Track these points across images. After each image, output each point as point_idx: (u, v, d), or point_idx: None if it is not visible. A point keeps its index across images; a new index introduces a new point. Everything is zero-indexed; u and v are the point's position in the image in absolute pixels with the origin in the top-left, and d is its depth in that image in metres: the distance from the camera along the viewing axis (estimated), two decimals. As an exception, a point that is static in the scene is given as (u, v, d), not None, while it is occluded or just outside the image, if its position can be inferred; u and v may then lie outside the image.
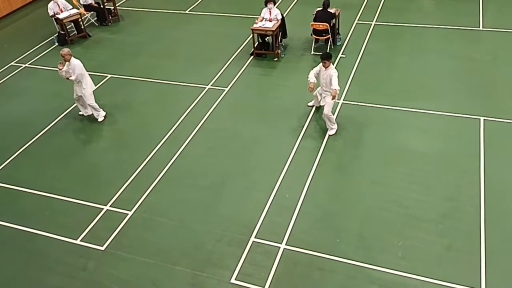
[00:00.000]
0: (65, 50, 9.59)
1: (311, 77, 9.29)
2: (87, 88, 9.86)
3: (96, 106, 10.12)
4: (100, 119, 10.23)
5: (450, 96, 10.19)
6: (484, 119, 9.38)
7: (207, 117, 10.16)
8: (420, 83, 10.76)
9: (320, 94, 9.55)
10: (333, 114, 9.41)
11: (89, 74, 10.01)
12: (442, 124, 9.42)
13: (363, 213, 7.56)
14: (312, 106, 10.12)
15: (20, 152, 9.59)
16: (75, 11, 13.99)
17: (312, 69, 9.43)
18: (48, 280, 6.95)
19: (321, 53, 9.49)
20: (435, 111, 9.75)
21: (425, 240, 7.04)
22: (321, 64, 9.18)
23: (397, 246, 6.98)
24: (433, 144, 8.90)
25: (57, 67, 9.73)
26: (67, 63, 9.60)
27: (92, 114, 10.31)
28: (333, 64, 9.40)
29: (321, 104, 9.73)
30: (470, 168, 8.27)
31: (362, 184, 8.13)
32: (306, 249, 7.05)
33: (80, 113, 10.46)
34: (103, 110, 10.34)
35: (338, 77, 9.04)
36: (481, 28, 13.00)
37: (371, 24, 13.65)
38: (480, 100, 9.99)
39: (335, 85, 8.91)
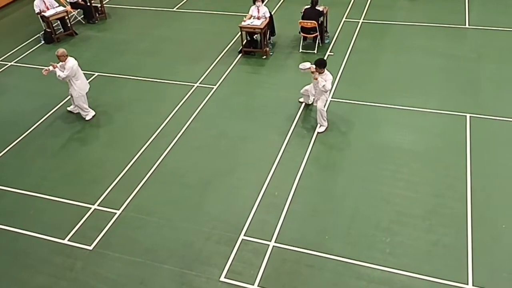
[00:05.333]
0: (60, 50, 9.48)
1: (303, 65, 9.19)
2: (77, 89, 9.76)
3: (85, 107, 10.04)
4: (87, 118, 10.14)
5: (437, 93, 10.27)
6: (470, 116, 9.47)
7: (195, 115, 10.12)
8: (407, 80, 10.83)
9: (314, 95, 9.59)
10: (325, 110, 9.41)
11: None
12: (428, 121, 9.49)
13: (351, 210, 7.60)
14: (302, 102, 10.12)
15: (5, 152, 9.47)
16: (61, 8, 13.85)
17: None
18: (34, 280, 6.87)
19: (309, 51, 9.45)
20: (421, 108, 9.82)
21: (412, 236, 7.09)
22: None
23: (385, 242, 7.02)
24: (420, 141, 8.97)
25: (44, 66, 9.62)
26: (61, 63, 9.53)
27: (79, 112, 10.23)
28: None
29: (314, 104, 9.73)
30: (457, 164, 8.35)
31: (350, 181, 8.16)
32: (295, 246, 7.07)
33: (69, 108, 10.37)
34: (93, 110, 10.26)
35: (332, 82, 9.09)
36: (467, 25, 13.13)
37: (359, 22, 13.71)
38: (466, 97, 10.09)
39: (328, 85, 8.95)
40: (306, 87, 9.69)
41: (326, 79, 9.04)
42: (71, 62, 9.49)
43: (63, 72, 9.48)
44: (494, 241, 6.93)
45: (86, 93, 9.98)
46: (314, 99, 9.69)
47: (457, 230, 7.13)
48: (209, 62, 12.07)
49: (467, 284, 6.38)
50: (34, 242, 7.45)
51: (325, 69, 9.09)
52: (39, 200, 8.24)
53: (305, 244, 7.08)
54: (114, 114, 10.35)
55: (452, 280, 6.43)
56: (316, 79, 8.99)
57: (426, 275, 6.52)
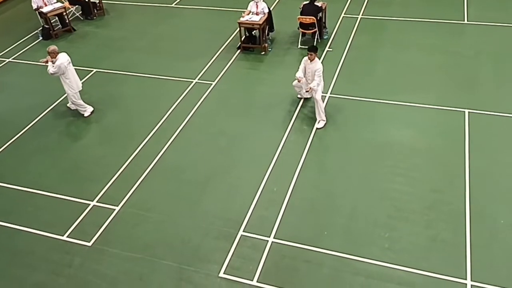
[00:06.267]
0: (51, 47, 9.46)
1: (299, 73, 9.38)
2: (66, 88, 9.76)
3: (80, 103, 10.01)
4: (86, 114, 10.12)
5: (435, 89, 10.26)
6: (468, 112, 9.47)
7: (194, 111, 10.11)
8: (406, 76, 10.82)
9: (306, 83, 9.58)
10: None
11: (74, 69, 9.88)
12: (427, 117, 9.49)
13: (350, 206, 7.60)
14: (301, 98, 10.13)
15: (3, 149, 9.46)
16: (59, 4, 13.80)
17: (299, 66, 9.46)
18: (32, 277, 6.87)
19: (307, 47, 9.49)
20: (420, 104, 9.82)
21: (411, 232, 7.10)
22: (306, 58, 9.22)
23: (384, 237, 7.03)
24: (419, 136, 8.96)
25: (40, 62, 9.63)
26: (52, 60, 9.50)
27: (77, 109, 10.21)
28: (319, 59, 9.46)
29: (309, 96, 9.80)
30: (455, 160, 8.35)
31: (349, 177, 8.16)
32: (294, 242, 7.07)
33: (68, 104, 10.36)
34: (91, 106, 10.24)
35: (322, 73, 9.14)
36: (465, 21, 13.11)
37: (357, 17, 13.68)
38: (465, 93, 10.09)
39: (314, 83, 9.04)
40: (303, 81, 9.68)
41: (316, 67, 9.08)
42: (60, 60, 9.41)
43: (53, 67, 9.48)
44: (492, 237, 6.94)
45: (80, 91, 9.93)
46: (308, 91, 9.65)
47: (455, 226, 7.14)
48: (207, 58, 12.05)
49: (466, 279, 6.40)
50: (33, 239, 7.45)
51: (316, 58, 9.16)
52: (38, 197, 8.24)
53: (304, 240, 7.09)
54: (113, 111, 10.34)
55: (450, 276, 6.45)
56: (311, 89, 9.16)
57: (424, 270, 6.54)
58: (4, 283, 6.83)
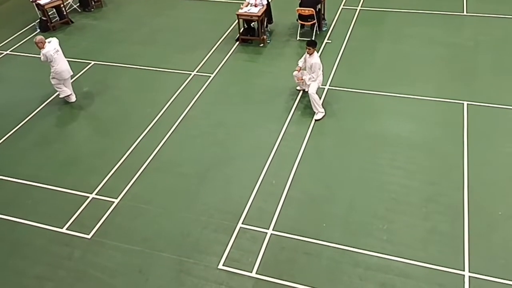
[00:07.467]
0: (38, 38, 9.63)
1: (300, 62, 9.53)
2: (52, 73, 9.87)
3: (59, 87, 10.03)
4: (61, 95, 10.14)
5: (434, 81, 10.26)
6: (467, 104, 9.47)
7: (193, 104, 10.10)
8: (405, 68, 10.81)
9: (309, 79, 9.61)
10: (320, 98, 9.46)
11: (72, 61, 9.89)
12: (425, 109, 9.49)
13: (349, 198, 7.63)
14: (300, 90, 10.14)
15: (1, 141, 9.44)
16: (56, -4, 13.74)
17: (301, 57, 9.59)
18: (32, 270, 6.89)
19: (306, 39, 9.51)
20: (419, 96, 9.81)
21: (409, 224, 7.13)
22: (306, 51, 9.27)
23: (382, 229, 7.06)
24: (417, 128, 8.97)
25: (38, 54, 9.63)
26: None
27: (76, 100, 10.22)
28: (317, 52, 9.45)
29: (306, 89, 9.82)
30: (453, 152, 8.36)
31: (348, 169, 8.17)
32: (293, 234, 7.10)
33: (66, 98, 10.36)
34: (89, 98, 10.24)
35: (321, 67, 9.21)
36: (464, 13, 13.06)
37: (357, 9, 13.62)
38: (464, 85, 10.08)
39: (306, 76, 9.28)
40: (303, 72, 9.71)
41: (312, 61, 9.15)
42: (46, 49, 9.57)
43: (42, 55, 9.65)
44: (490, 228, 6.97)
45: (77, 84, 9.93)
46: (298, 81, 9.76)
47: (453, 218, 7.17)
48: (206, 51, 12.01)
49: (463, 270, 6.43)
50: (32, 232, 7.47)
51: (315, 52, 9.21)
52: (37, 190, 8.24)
53: (303, 232, 7.11)
54: (111, 103, 10.32)
55: (448, 267, 6.48)
56: (301, 79, 9.50)
57: (423, 262, 6.57)
58: (4, 275, 6.86)
